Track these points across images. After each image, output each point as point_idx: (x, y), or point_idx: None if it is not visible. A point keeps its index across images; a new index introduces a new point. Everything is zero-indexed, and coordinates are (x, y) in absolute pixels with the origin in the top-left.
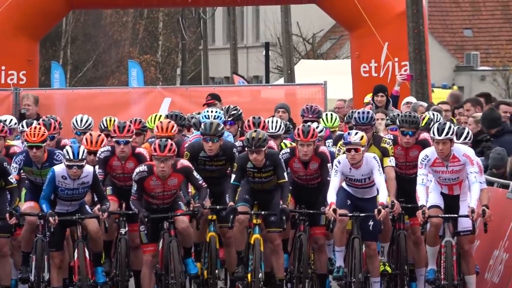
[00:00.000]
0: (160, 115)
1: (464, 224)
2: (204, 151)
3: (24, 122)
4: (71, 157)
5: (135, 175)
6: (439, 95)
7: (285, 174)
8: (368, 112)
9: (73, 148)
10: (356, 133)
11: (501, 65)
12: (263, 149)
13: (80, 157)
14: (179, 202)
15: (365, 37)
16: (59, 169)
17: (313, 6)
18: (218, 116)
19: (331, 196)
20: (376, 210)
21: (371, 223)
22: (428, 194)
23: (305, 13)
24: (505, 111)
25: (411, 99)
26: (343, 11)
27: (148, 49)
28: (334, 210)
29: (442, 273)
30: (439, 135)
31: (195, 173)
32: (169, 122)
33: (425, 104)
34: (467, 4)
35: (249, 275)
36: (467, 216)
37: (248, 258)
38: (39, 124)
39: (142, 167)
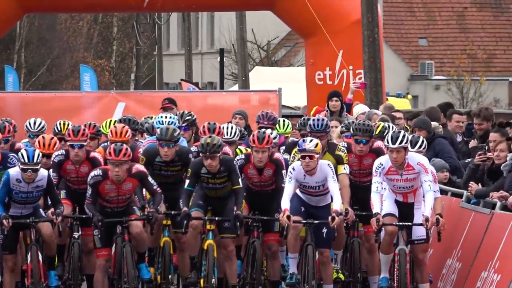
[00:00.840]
0: (115, 120)
1: (418, 232)
2: (159, 156)
3: None
4: (26, 160)
5: (90, 179)
6: (394, 104)
7: (239, 180)
8: (323, 119)
9: (28, 152)
10: (311, 140)
11: (455, 74)
12: (218, 155)
13: (35, 160)
14: (134, 207)
15: (320, 44)
16: (14, 172)
17: (268, 13)
18: (172, 122)
19: (285, 203)
20: (330, 218)
21: (324, 230)
22: (382, 202)
23: (260, 20)
24: (458, 121)
25: (364, 107)
26: (298, 18)
27: (103, 54)
28: (288, 217)
29: (395, 281)
30: (393, 143)
31: (149, 178)
32: (123, 126)
33: (379, 113)
34: (423, 13)
35: (202, 281)
36: (421, 224)
37: (201, 263)
38: None
39: (97, 171)
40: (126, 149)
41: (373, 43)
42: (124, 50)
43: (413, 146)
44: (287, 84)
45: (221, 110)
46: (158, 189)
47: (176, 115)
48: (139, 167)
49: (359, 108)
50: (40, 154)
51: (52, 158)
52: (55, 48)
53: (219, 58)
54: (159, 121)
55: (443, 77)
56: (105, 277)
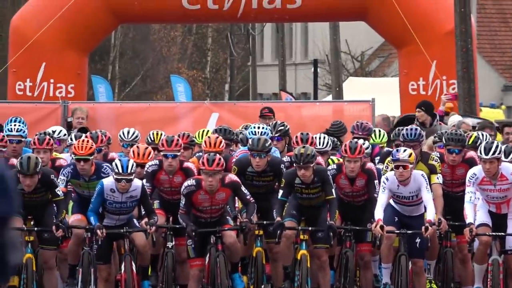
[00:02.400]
0: (208, 130)
1: None
2: (251, 166)
3: (72, 135)
4: (120, 170)
5: (183, 189)
6: (487, 114)
7: (333, 190)
8: (416, 129)
9: (122, 162)
10: (405, 150)
11: None
12: (311, 165)
13: (129, 170)
14: (227, 217)
15: (413, 55)
16: (108, 182)
17: (362, 24)
18: (265, 132)
19: (378, 213)
20: (423, 228)
21: (418, 240)
22: (475, 212)
23: (354, 31)
24: None
25: (459, 118)
26: (391, 28)
27: (197, 65)
28: (382, 227)
29: None
30: (486, 154)
31: (243, 188)
32: (217, 137)
33: (469, 122)
34: None
35: None
36: None
37: (294, 273)
38: (86, 137)
39: (190, 181)
40: (220, 159)
41: (466, 53)
42: (218, 61)
43: (506, 156)
44: (380, 95)
45: (315, 121)
46: (251, 198)
47: (269, 125)
48: (232, 177)
49: (454, 119)
50: (134, 164)
51: (145, 168)
52: (149, 59)
53: (313, 68)
54: (251, 132)
55: None
56: (199, 287)
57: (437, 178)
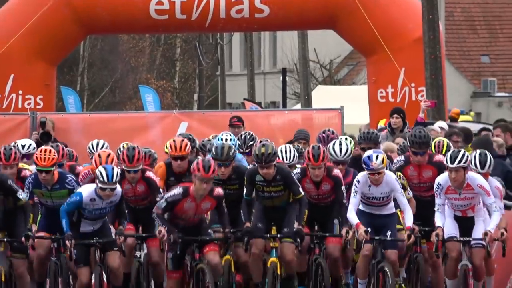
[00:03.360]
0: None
1: (477, 236)
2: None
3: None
4: (106, 180)
5: (168, 196)
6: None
7: (300, 189)
8: (373, 132)
9: (107, 171)
10: (377, 157)
11: None
12: (273, 163)
13: (114, 180)
14: (207, 229)
15: (382, 62)
16: (87, 193)
17: (331, 32)
18: (233, 143)
19: (354, 218)
20: (406, 235)
21: (388, 233)
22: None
23: (322, 39)
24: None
25: (443, 124)
26: (360, 36)
27: (165, 75)
28: (366, 232)
29: None
30: (452, 163)
31: (223, 202)
32: (182, 140)
33: (438, 128)
34: (484, 31)
35: None
36: (481, 239)
37: (264, 282)
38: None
39: (177, 190)
40: (214, 166)
41: (435, 60)
42: (187, 71)
43: (482, 167)
44: (349, 103)
45: (284, 129)
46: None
47: (239, 135)
48: (220, 190)
49: (440, 124)
50: (119, 172)
51: None
52: (117, 69)
53: (281, 77)
54: (220, 139)
55: (505, 94)
56: None
57: (408, 193)
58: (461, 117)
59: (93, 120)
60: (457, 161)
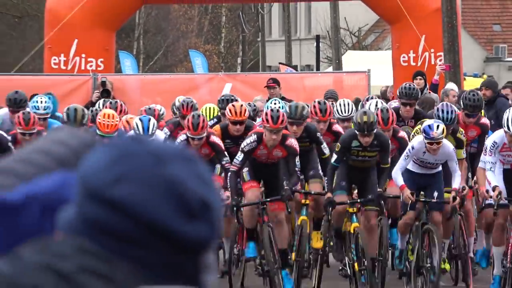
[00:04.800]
0: (210, 107)
1: None
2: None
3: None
4: (141, 131)
5: (244, 146)
6: (470, 83)
7: (389, 159)
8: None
9: (143, 123)
10: (438, 127)
11: None
12: (374, 131)
13: (150, 132)
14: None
15: (404, 30)
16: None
17: (359, 2)
18: (282, 106)
19: (400, 179)
20: (451, 197)
21: (435, 194)
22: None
23: (352, 9)
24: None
25: (453, 86)
26: (385, 7)
27: (212, 40)
28: (412, 194)
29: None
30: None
31: (296, 159)
32: (241, 105)
33: (456, 88)
34: (496, 2)
35: (356, 265)
36: None
37: (350, 246)
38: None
39: (252, 138)
40: (282, 117)
41: (452, 28)
42: (231, 37)
43: None
44: (376, 66)
45: (317, 90)
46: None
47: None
48: (293, 141)
49: (450, 86)
50: (155, 123)
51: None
52: (169, 35)
53: (315, 43)
54: (268, 107)
55: None
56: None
57: (463, 153)
58: (476, 80)
59: (148, 81)
60: None
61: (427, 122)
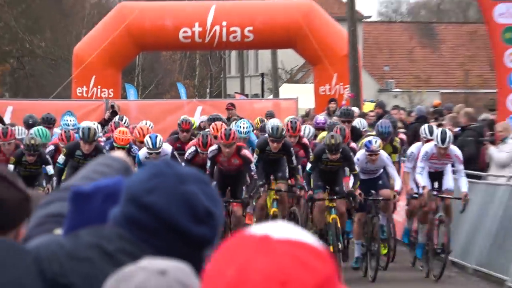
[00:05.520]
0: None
1: (446, 185)
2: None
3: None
4: (151, 146)
5: (208, 153)
6: (367, 107)
7: (356, 167)
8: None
9: (152, 140)
10: (376, 141)
11: (406, 88)
12: (340, 150)
13: (157, 146)
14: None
15: (322, 70)
16: (141, 153)
17: (291, 50)
18: (248, 126)
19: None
20: (392, 195)
21: (380, 182)
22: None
23: (287, 54)
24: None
25: (356, 108)
26: (309, 53)
27: (189, 76)
28: (360, 194)
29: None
30: (443, 144)
31: (250, 165)
32: (222, 124)
33: (358, 110)
34: (386, 50)
35: (331, 248)
36: (452, 189)
37: (327, 233)
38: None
39: (213, 147)
40: (233, 134)
41: (355, 69)
42: (202, 74)
43: (443, 142)
44: (302, 95)
45: (262, 111)
46: (255, 175)
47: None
48: (247, 152)
49: (354, 109)
50: (161, 139)
51: (208, 152)
52: (159, 73)
53: (261, 78)
54: (238, 125)
55: (399, 90)
56: None
57: (397, 157)
58: (371, 104)
59: (144, 104)
60: (446, 142)
61: (368, 138)
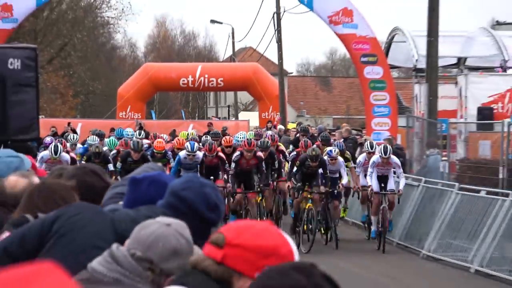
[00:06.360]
0: (187, 132)
1: (390, 187)
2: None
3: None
4: (190, 150)
5: (234, 158)
6: (290, 125)
7: (327, 170)
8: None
9: (191, 145)
10: (335, 151)
11: (313, 115)
12: (320, 159)
13: (194, 150)
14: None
15: (263, 103)
16: (182, 154)
17: (246, 92)
18: (244, 137)
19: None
20: (341, 186)
21: (336, 191)
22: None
23: (243, 94)
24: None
25: (282, 127)
26: (256, 94)
27: (186, 106)
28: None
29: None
30: (385, 155)
31: (262, 163)
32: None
33: (283, 127)
34: (301, 92)
35: (305, 227)
36: (393, 190)
37: (302, 218)
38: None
39: (237, 153)
40: (254, 142)
41: (282, 103)
42: (194, 105)
43: (385, 153)
44: (253, 119)
45: (229, 128)
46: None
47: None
48: (260, 154)
49: (281, 127)
50: (197, 146)
51: (233, 157)
52: (169, 103)
53: (228, 108)
54: (239, 137)
55: (309, 116)
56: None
57: (351, 163)
58: (292, 124)
59: (160, 122)
60: (387, 154)
61: (329, 148)
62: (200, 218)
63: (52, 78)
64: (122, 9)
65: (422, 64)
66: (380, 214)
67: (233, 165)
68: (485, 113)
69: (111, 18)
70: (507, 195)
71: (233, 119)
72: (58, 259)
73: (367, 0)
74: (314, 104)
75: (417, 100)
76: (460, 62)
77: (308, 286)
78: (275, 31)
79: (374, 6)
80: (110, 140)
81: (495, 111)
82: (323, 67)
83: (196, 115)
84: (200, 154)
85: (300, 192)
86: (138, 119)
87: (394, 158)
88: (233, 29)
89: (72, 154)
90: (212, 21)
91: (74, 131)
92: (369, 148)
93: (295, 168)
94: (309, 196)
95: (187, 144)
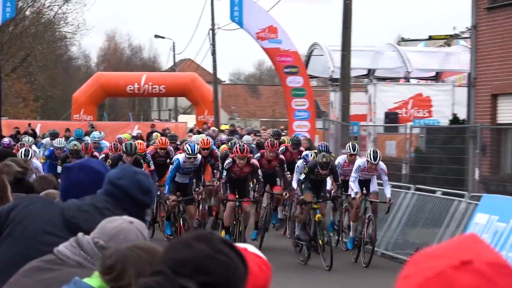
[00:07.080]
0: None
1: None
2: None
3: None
4: (190, 152)
5: (225, 165)
6: (224, 127)
7: (339, 178)
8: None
9: (191, 147)
10: (311, 155)
11: (243, 117)
12: (330, 166)
13: (195, 152)
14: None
15: (200, 108)
16: (181, 158)
17: (185, 98)
18: (234, 143)
19: (299, 187)
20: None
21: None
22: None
23: (183, 99)
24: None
25: (216, 129)
26: (193, 99)
27: (132, 109)
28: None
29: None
30: (375, 161)
31: (258, 170)
32: (208, 138)
33: (216, 129)
34: (233, 98)
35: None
36: (377, 192)
37: (316, 231)
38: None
39: (228, 160)
40: (246, 148)
41: (216, 107)
42: (139, 108)
43: (375, 160)
44: (190, 120)
45: (171, 129)
46: (261, 179)
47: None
48: (255, 161)
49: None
50: (198, 147)
51: (225, 164)
52: (117, 107)
53: (169, 112)
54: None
55: (239, 118)
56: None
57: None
58: (225, 126)
59: (110, 123)
60: (377, 160)
61: (305, 152)
62: (135, 202)
63: (15, 84)
64: (78, 25)
65: (337, 75)
66: (365, 223)
67: (224, 173)
68: (391, 117)
69: (68, 33)
70: (409, 188)
71: (173, 121)
72: (15, 242)
73: (290, 18)
74: (244, 109)
75: (333, 106)
76: (370, 73)
77: (211, 253)
78: (211, 45)
79: (296, 23)
80: (60, 141)
81: (399, 115)
82: (252, 76)
83: (141, 117)
84: (199, 156)
85: (304, 205)
86: (90, 120)
87: (382, 164)
88: (174, 43)
89: (37, 162)
90: (156, 36)
91: (34, 131)
92: (351, 150)
93: (302, 176)
94: (315, 206)
95: (187, 146)
